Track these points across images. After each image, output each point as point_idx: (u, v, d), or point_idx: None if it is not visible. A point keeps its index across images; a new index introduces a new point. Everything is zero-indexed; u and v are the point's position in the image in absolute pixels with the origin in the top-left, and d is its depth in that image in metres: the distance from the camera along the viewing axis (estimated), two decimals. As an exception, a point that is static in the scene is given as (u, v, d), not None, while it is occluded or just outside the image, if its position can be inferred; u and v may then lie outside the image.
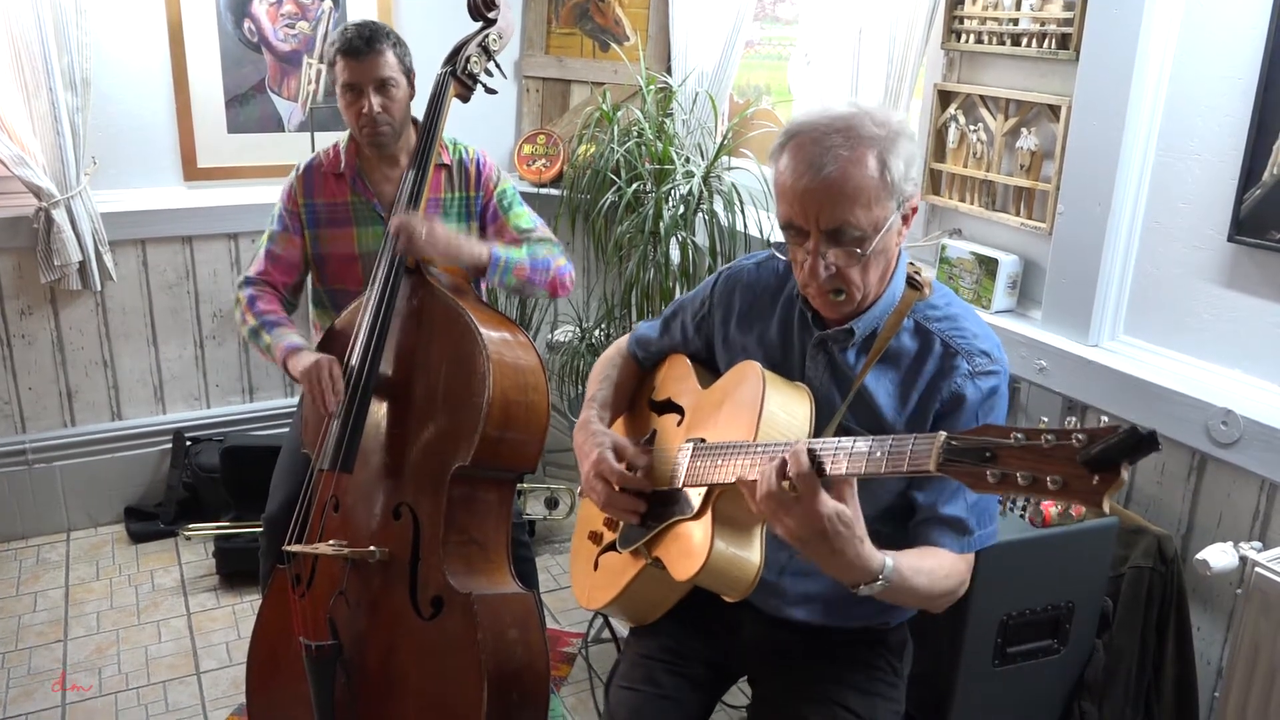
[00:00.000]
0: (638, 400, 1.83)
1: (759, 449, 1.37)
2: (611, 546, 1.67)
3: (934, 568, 1.40)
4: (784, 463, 1.24)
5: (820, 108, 1.42)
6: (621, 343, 1.88)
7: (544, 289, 2.33)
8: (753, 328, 1.62)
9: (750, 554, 1.41)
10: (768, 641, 1.65)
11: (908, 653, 1.69)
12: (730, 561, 1.40)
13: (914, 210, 1.45)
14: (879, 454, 1.20)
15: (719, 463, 1.43)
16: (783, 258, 1.52)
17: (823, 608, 1.59)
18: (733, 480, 1.38)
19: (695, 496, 1.48)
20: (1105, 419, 2.21)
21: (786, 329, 1.58)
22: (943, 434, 1.13)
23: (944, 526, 1.45)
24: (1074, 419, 1.06)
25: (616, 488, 1.58)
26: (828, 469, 1.24)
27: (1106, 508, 1.00)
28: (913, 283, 1.52)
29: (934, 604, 1.45)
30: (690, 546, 1.44)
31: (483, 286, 2.54)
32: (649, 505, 1.58)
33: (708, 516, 1.43)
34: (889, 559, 1.31)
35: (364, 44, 2.26)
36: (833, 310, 1.48)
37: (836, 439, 1.27)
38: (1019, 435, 1.05)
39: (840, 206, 1.36)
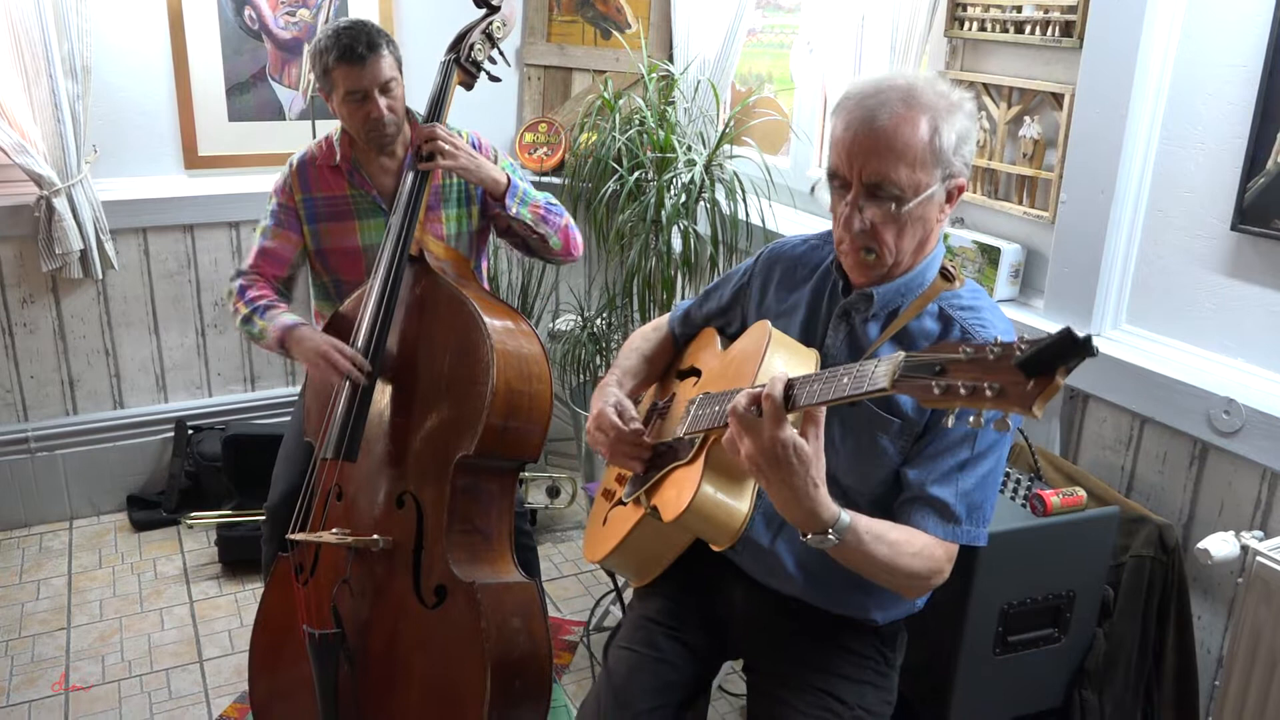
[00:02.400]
0: (669, 373, 1.89)
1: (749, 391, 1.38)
2: (621, 502, 1.71)
3: (899, 540, 1.40)
4: (759, 393, 1.26)
5: (886, 72, 1.46)
6: (661, 319, 1.94)
7: (556, 235, 2.35)
8: (787, 296, 1.66)
9: (738, 502, 1.44)
10: (759, 615, 1.66)
11: (900, 643, 1.70)
12: (717, 505, 1.43)
13: (960, 190, 1.46)
14: (845, 379, 1.21)
15: (714, 409, 1.47)
16: (824, 202, 1.54)
17: (811, 585, 1.58)
18: (722, 424, 1.40)
19: (694, 444, 1.51)
20: (1105, 406, 2.21)
21: (817, 298, 1.61)
22: (902, 353, 1.14)
23: (928, 508, 1.45)
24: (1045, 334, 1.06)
25: (612, 435, 1.65)
26: (801, 400, 1.25)
27: (1039, 412, 1.01)
28: (945, 274, 1.54)
29: (899, 582, 1.44)
30: (680, 489, 1.48)
31: (483, 273, 2.54)
32: (658, 460, 1.62)
33: (700, 462, 1.46)
34: (845, 516, 1.32)
35: (365, 48, 2.21)
36: (862, 272, 1.50)
37: (814, 373, 1.28)
38: (968, 349, 1.07)
39: (885, 160, 1.38)
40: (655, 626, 1.69)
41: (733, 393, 1.44)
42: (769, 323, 1.55)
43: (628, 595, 2.25)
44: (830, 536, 1.31)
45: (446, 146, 2.15)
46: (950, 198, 1.46)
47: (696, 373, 1.76)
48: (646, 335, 1.91)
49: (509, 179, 2.28)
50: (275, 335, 2.18)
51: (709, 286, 1.85)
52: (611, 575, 2.03)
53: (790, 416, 1.26)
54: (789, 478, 1.27)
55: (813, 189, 1.65)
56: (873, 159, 1.39)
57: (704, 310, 1.84)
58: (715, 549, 1.48)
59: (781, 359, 1.48)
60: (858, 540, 1.34)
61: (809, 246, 1.69)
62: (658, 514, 1.53)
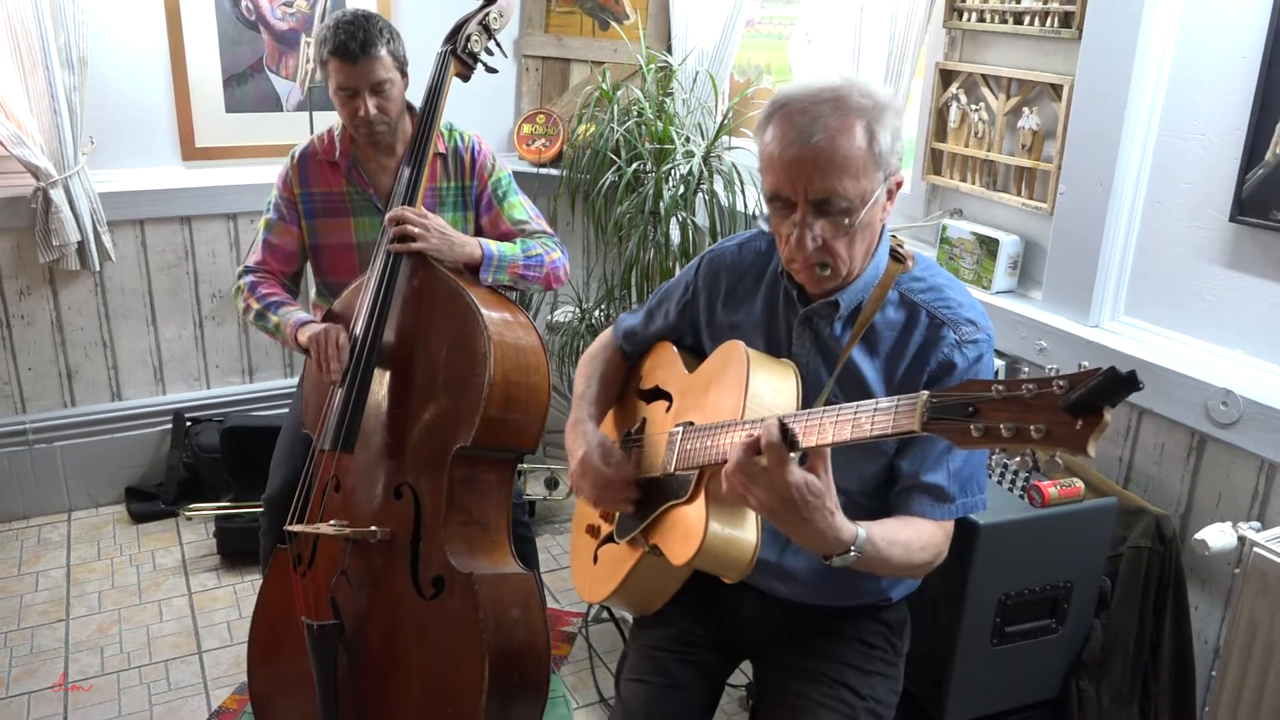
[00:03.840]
0: (626, 391, 1.83)
1: (746, 426, 1.36)
2: (610, 539, 1.67)
3: (910, 539, 1.41)
4: (756, 439, 1.24)
5: (808, 79, 1.42)
6: (606, 336, 1.88)
7: (538, 284, 2.32)
8: (739, 308, 1.63)
9: (746, 533, 1.41)
10: (769, 621, 1.66)
11: (906, 631, 1.70)
12: (727, 542, 1.40)
13: (898, 185, 1.45)
14: (864, 419, 1.19)
15: (708, 443, 1.42)
16: (766, 228, 1.51)
17: (823, 586, 1.59)
18: (719, 460, 1.38)
19: (688, 480, 1.47)
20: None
21: (771, 307, 1.58)
22: (925, 393, 1.12)
23: (924, 494, 1.46)
24: (1055, 367, 1.05)
25: (601, 481, 1.60)
26: (806, 439, 1.23)
27: (1093, 452, 0.99)
28: (896, 255, 1.52)
29: (909, 573, 1.48)
30: (686, 530, 1.44)
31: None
32: (643, 494, 1.59)
33: (701, 499, 1.43)
34: (862, 530, 1.32)
35: (359, 48, 2.18)
36: (817, 285, 1.48)
37: (822, 409, 1.26)
38: (1000, 388, 1.05)
39: (829, 177, 1.36)
40: (664, 653, 1.68)
41: (722, 425, 1.41)
42: (742, 344, 1.51)
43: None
44: (851, 554, 1.31)
45: (416, 230, 2.10)
46: (890, 195, 1.45)
47: (663, 395, 1.69)
48: (599, 355, 1.85)
49: (483, 252, 2.21)
50: (291, 332, 2.20)
51: (651, 304, 1.79)
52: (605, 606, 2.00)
53: (793, 454, 1.24)
54: (808, 515, 1.25)
55: (755, 216, 1.59)
56: (816, 177, 1.36)
57: (651, 329, 1.79)
58: (727, 582, 1.45)
59: (764, 380, 1.45)
60: (876, 551, 1.34)
61: (747, 250, 1.65)
62: (659, 553, 1.50)
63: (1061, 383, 1.00)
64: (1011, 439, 1.03)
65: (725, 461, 1.35)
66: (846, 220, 1.38)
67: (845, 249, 1.42)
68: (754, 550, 1.40)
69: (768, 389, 1.44)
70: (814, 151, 1.35)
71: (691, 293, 1.70)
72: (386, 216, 2.14)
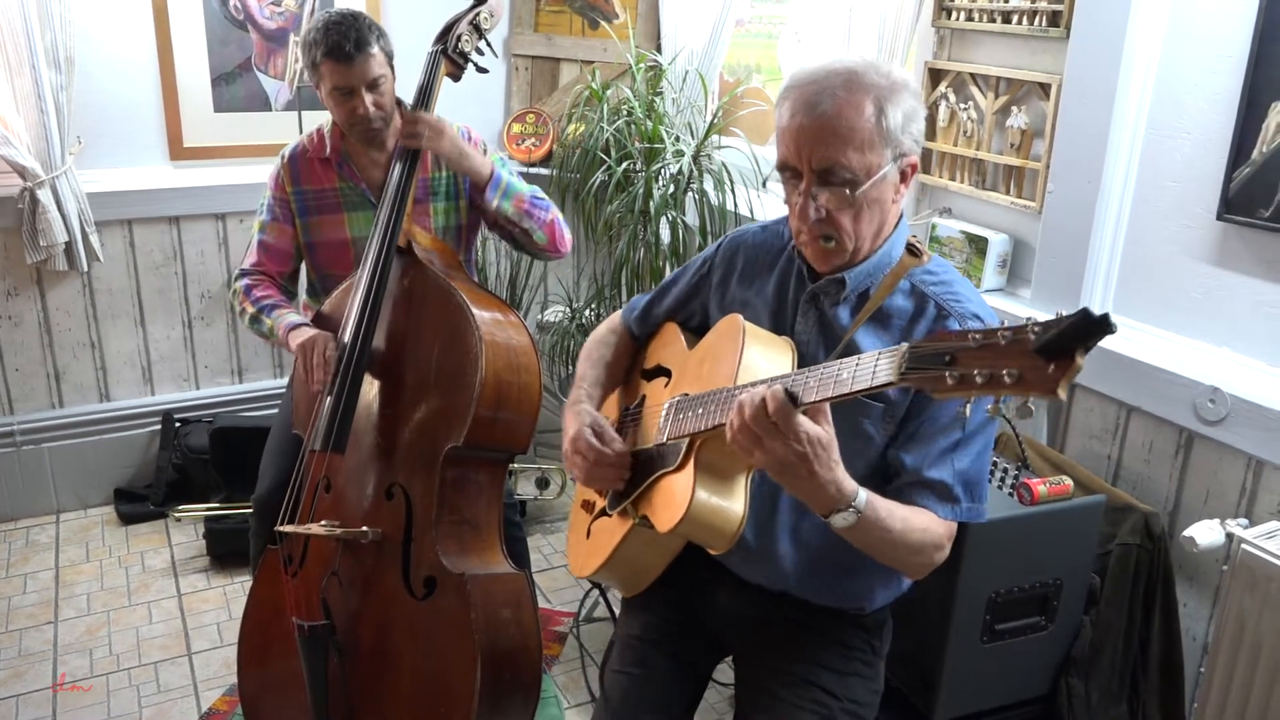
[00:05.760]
0: (631, 373, 1.84)
1: (737, 392, 1.36)
2: (603, 513, 1.68)
3: (909, 516, 1.40)
4: (763, 400, 1.24)
5: (828, 59, 1.44)
6: (614, 319, 1.88)
7: (542, 230, 2.32)
8: (751, 285, 1.63)
9: (733, 504, 1.41)
10: (745, 612, 1.65)
11: (886, 631, 1.69)
12: (713, 511, 1.40)
13: (913, 169, 1.45)
14: (845, 374, 1.20)
15: (698, 411, 1.43)
16: (779, 196, 1.53)
17: (798, 574, 1.58)
18: (710, 426, 1.38)
19: (679, 449, 1.48)
20: (1091, 395, 2.22)
21: (783, 285, 1.59)
22: (905, 345, 1.13)
23: (927, 490, 1.45)
24: (1032, 316, 1.06)
25: (591, 459, 1.60)
26: (802, 398, 1.24)
27: (1063, 394, 1.00)
28: (912, 250, 1.53)
29: (906, 559, 1.44)
30: (673, 498, 1.45)
31: (473, 266, 2.53)
32: (637, 470, 1.59)
33: (690, 467, 1.43)
34: (863, 491, 1.32)
35: (354, 47, 2.19)
36: (823, 260, 1.49)
37: (807, 369, 1.27)
38: (977, 336, 1.06)
39: (832, 145, 1.37)
40: (644, 644, 1.68)
41: (714, 393, 1.41)
42: (740, 316, 1.52)
43: (612, 593, 2.27)
44: (851, 511, 1.31)
45: (424, 131, 2.16)
46: (904, 177, 1.45)
47: (665, 372, 1.70)
48: (605, 340, 1.85)
49: (493, 171, 2.26)
50: (284, 335, 2.21)
51: (665, 281, 1.81)
52: (596, 584, 2.01)
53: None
54: (814, 468, 1.26)
55: (764, 182, 1.63)
56: (820, 146, 1.38)
57: (664, 306, 1.79)
58: (713, 553, 1.46)
59: (758, 352, 1.45)
60: (875, 515, 1.34)
61: (769, 233, 1.66)
62: (649, 524, 1.50)
63: (1037, 329, 1.01)
64: (985, 385, 1.04)
65: (715, 428, 1.36)
66: (849, 192, 1.39)
67: (850, 223, 1.43)
68: (740, 520, 1.41)
69: (761, 360, 1.44)
70: (820, 120, 1.37)
71: (708, 268, 1.72)
72: (403, 118, 2.20)
